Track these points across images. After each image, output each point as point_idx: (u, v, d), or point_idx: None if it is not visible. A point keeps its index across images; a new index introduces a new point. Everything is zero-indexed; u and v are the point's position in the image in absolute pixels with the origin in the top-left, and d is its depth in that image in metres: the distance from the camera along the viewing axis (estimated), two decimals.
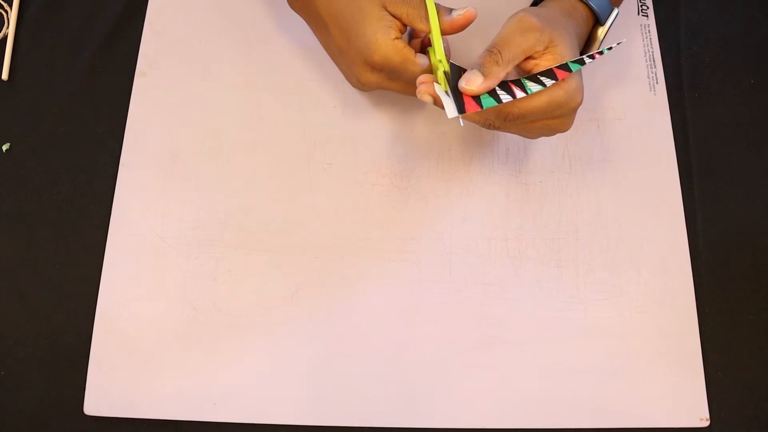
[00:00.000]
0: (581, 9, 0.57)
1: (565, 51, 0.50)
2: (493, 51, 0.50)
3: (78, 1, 0.70)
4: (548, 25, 0.51)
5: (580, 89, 0.51)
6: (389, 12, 0.53)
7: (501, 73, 0.49)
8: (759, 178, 0.63)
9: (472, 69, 0.49)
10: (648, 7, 0.68)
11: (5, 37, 0.67)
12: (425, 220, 0.60)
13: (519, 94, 0.49)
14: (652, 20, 0.67)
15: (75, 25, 0.69)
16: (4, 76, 0.66)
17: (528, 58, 0.51)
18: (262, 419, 0.55)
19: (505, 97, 0.49)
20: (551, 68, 0.50)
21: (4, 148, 0.63)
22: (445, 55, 0.52)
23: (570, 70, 0.50)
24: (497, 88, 0.49)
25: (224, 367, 0.56)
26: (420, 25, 0.52)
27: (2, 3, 0.68)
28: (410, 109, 0.63)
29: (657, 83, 0.65)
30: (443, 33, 0.52)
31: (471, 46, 0.59)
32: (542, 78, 0.50)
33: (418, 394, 0.56)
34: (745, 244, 0.61)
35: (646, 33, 0.67)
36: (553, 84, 0.49)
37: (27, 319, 0.59)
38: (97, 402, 0.56)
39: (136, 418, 0.55)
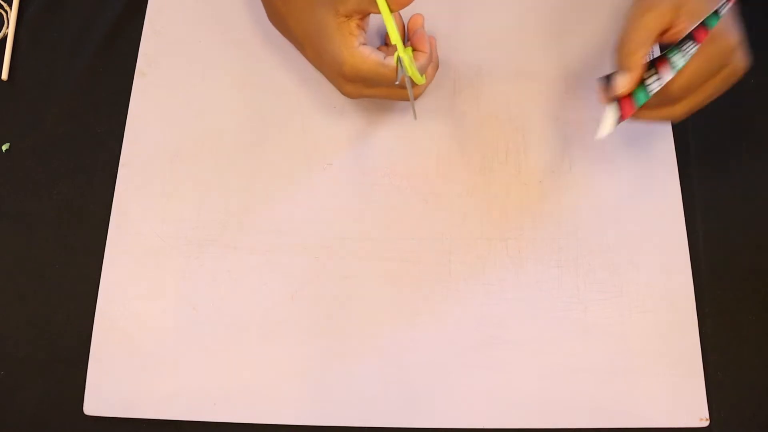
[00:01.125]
0: None
1: (696, 5, 0.49)
2: (619, 46, 0.51)
3: (78, 1, 0.70)
4: None
5: (728, 28, 0.49)
6: (343, 15, 0.53)
7: (639, 60, 0.50)
8: (759, 178, 0.63)
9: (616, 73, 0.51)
10: None
11: (5, 37, 0.67)
12: (425, 221, 0.60)
13: (667, 75, 0.49)
14: None
15: (75, 25, 0.69)
16: (4, 76, 0.66)
17: (664, 31, 0.51)
18: (261, 419, 0.55)
19: (654, 86, 0.49)
20: (690, 32, 0.49)
21: (4, 148, 0.63)
22: (401, 39, 0.53)
23: (709, 28, 0.48)
24: (645, 79, 0.50)
25: (224, 367, 0.56)
26: (372, 9, 0.52)
27: (2, 3, 0.68)
28: (410, 109, 0.63)
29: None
30: (392, 9, 0.52)
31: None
32: (684, 46, 0.49)
33: (418, 394, 0.56)
34: (745, 244, 0.61)
35: None
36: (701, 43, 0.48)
37: (27, 319, 0.59)
38: (96, 402, 0.56)
39: (136, 418, 0.56)
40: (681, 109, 0.52)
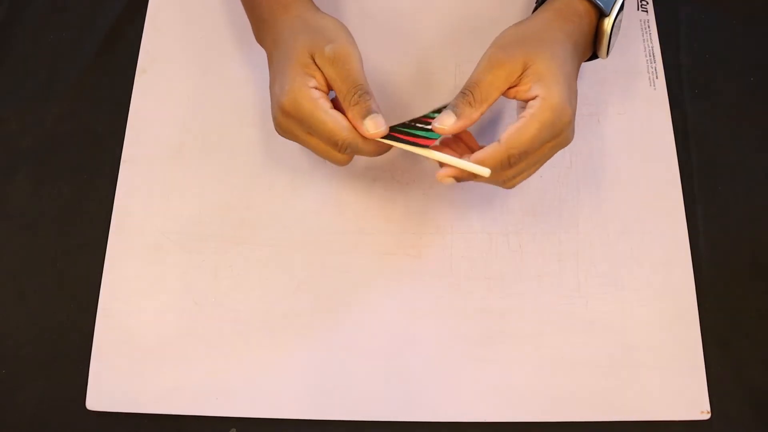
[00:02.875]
0: (577, 5, 0.54)
1: (542, 67, 0.49)
2: (466, 92, 0.50)
3: (78, 1, 0.70)
4: (522, 47, 0.50)
5: (567, 99, 0.49)
6: (316, 63, 0.51)
7: (474, 114, 0.49)
8: (759, 172, 0.63)
9: (446, 109, 0.50)
10: (648, 3, 0.68)
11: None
12: (426, 215, 0.60)
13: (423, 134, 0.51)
14: (651, 16, 0.67)
15: (75, 25, 0.69)
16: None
17: (509, 87, 0.50)
18: (263, 413, 0.55)
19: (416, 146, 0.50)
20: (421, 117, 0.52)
21: None
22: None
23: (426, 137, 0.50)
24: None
25: (226, 361, 0.56)
26: (337, 89, 0.51)
27: None
28: (411, 104, 0.63)
29: (657, 78, 0.65)
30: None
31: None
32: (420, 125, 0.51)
33: (420, 387, 0.56)
34: (745, 238, 0.61)
35: (645, 28, 0.67)
36: (538, 107, 0.48)
37: (29, 316, 0.59)
38: (99, 397, 0.56)
39: (138, 413, 0.56)
40: (512, 173, 0.50)
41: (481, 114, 0.50)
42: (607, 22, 0.53)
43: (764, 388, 0.57)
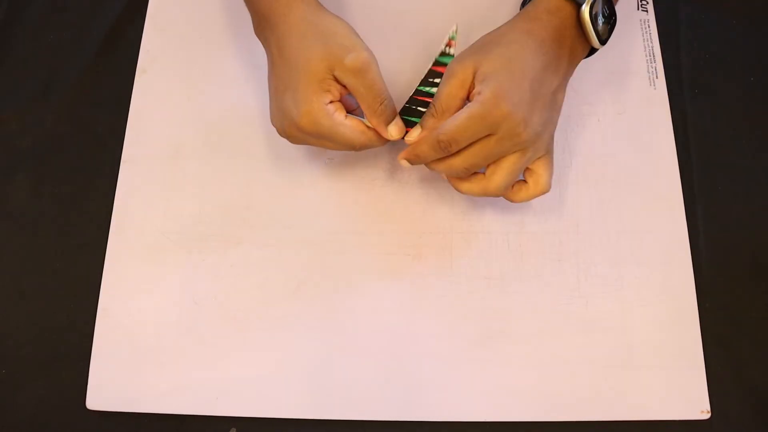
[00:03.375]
0: (547, 3, 0.54)
1: (487, 68, 0.51)
2: (430, 106, 0.54)
3: (78, 1, 0.70)
4: (475, 54, 0.52)
5: (501, 96, 0.49)
6: (335, 77, 0.52)
7: (437, 123, 0.53)
8: (759, 172, 0.63)
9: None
10: (648, 3, 0.68)
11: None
12: (426, 215, 0.60)
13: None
14: (651, 15, 0.67)
15: (75, 25, 0.69)
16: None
17: (469, 93, 0.52)
18: (264, 413, 0.55)
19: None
20: (431, 68, 0.55)
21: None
22: None
23: (443, 63, 0.54)
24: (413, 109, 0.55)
25: (226, 361, 0.56)
26: (360, 97, 0.53)
27: None
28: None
29: (657, 78, 0.65)
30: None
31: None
32: (431, 80, 0.55)
33: (420, 387, 0.56)
34: (745, 238, 0.61)
35: (645, 28, 0.67)
36: (473, 101, 0.50)
37: (29, 316, 0.59)
38: (99, 396, 0.56)
39: (138, 413, 0.56)
40: (460, 164, 0.52)
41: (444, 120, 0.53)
42: (584, 10, 0.53)
43: (764, 388, 0.57)
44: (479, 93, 0.50)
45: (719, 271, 0.60)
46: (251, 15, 0.59)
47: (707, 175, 0.62)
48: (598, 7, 0.54)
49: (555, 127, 0.55)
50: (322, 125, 0.51)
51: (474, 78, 0.51)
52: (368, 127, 0.54)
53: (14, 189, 0.63)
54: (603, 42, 0.55)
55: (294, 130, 0.53)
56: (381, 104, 0.53)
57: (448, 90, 0.52)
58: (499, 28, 0.55)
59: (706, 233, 0.60)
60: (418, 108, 0.55)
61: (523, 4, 0.58)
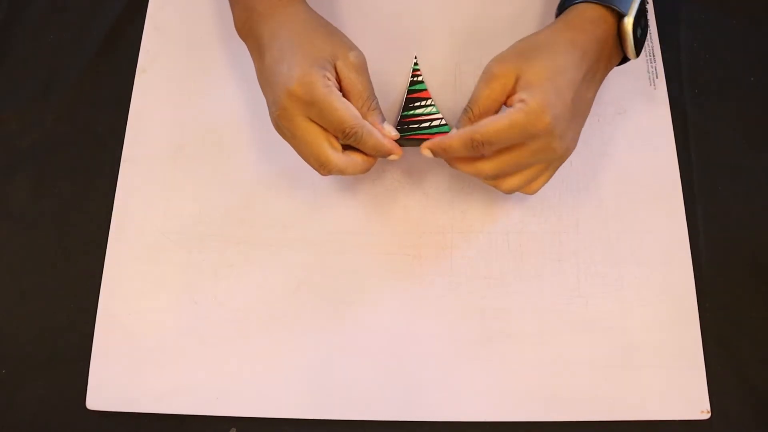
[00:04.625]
0: (590, 12, 0.54)
1: (531, 76, 0.50)
2: (467, 109, 0.53)
3: (78, 1, 0.70)
4: (517, 59, 0.52)
5: (549, 107, 0.49)
6: (335, 67, 0.53)
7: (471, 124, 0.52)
8: (759, 172, 0.63)
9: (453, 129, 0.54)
10: (648, 3, 0.68)
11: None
12: (426, 215, 0.60)
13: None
14: (651, 15, 0.67)
15: (75, 25, 0.69)
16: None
17: (509, 96, 0.52)
18: (263, 413, 0.55)
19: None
20: (407, 97, 0.59)
21: None
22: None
23: (418, 90, 0.59)
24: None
25: (226, 361, 0.56)
26: (357, 94, 0.53)
27: None
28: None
29: (657, 77, 0.65)
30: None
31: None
32: (413, 105, 0.59)
33: (420, 387, 0.56)
34: (745, 238, 0.61)
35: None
36: (515, 108, 0.49)
37: (29, 316, 0.59)
38: (99, 396, 0.56)
39: (138, 413, 0.56)
40: (489, 168, 0.52)
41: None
42: (627, 22, 0.53)
43: (764, 388, 0.57)
44: (522, 101, 0.49)
45: (719, 271, 0.60)
46: (235, 12, 0.58)
47: (707, 175, 0.62)
48: (640, 20, 0.54)
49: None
50: (318, 91, 0.50)
51: (516, 84, 0.51)
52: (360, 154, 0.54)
53: (14, 189, 0.63)
54: (638, 54, 0.55)
55: (284, 96, 0.50)
56: (375, 101, 0.54)
57: (488, 93, 0.52)
58: (541, 32, 0.54)
59: (706, 233, 0.60)
60: (410, 127, 0.57)
61: (559, 8, 0.57)
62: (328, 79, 0.51)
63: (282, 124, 0.52)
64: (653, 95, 0.64)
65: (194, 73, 0.65)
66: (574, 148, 0.53)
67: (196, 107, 0.64)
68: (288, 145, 0.54)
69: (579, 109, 0.52)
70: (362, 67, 0.53)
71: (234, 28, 0.58)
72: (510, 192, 0.54)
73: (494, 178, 0.53)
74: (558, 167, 0.54)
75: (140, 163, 0.62)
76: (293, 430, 0.56)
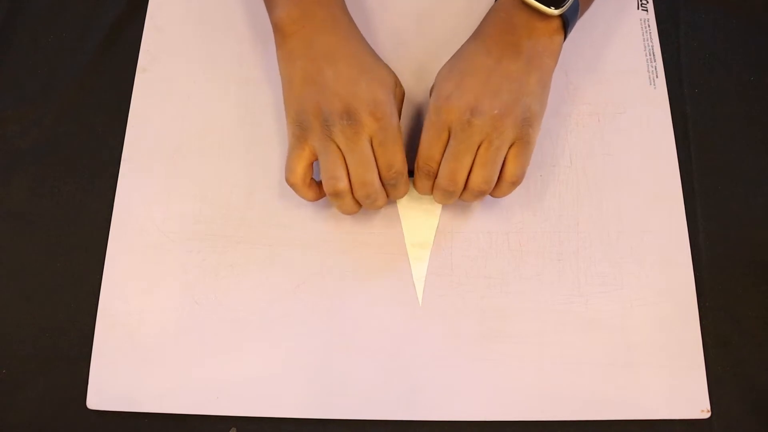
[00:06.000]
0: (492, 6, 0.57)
1: (437, 80, 0.54)
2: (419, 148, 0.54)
3: (78, 1, 0.70)
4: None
5: (445, 95, 0.51)
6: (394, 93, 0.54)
7: (435, 167, 0.54)
8: (759, 172, 0.63)
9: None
10: (648, 2, 0.68)
11: None
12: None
13: None
14: (651, 15, 0.67)
15: (75, 25, 0.69)
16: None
17: None
18: (264, 412, 0.55)
19: None
20: None
21: None
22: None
23: None
24: None
25: (227, 360, 0.56)
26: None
27: None
28: (411, 103, 0.63)
29: (657, 77, 0.65)
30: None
31: None
32: None
33: (420, 386, 0.56)
34: (745, 237, 0.61)
35: (645, 27, 0.67)
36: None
37: (30, 316, 0.59)
38: (99, 396, 0.56)
39: (139, 412, 0.56)
40: (443, 182, 0.53)
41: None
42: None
43: (764, 388, 0.57)
44: (430, 103, 0.52)
45: (719, 271, 0.60)
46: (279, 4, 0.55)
47: (707, 175, 0.62)
48: None
49: (531, 114, 0.52)
50: (395, 121, 0.52)
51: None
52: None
53: (14, 189, 0.63)
54: (559, 6, 0.51)
55: (366, 116, 0.51)
56: None
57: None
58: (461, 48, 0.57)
59: (706, 233, 0.60)
60: None
61: None
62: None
63: (344, 134, 0.51)
64: (653, 95, 0.64)
65: (194, 73, 0.65)
66: (510, 120, 0.51)
67: (196, 107, 0.64)
68: (288, 143, 0.54)
69: (492, 83, 0.51)
70: (402, 103, 0.56)
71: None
72: (481, 187, 0.53)
73: (454, 183, 0.53)
74: (512, 141, 0.52)
75: (140, 163, 0.62)
76: (293, 429, 0.56)
